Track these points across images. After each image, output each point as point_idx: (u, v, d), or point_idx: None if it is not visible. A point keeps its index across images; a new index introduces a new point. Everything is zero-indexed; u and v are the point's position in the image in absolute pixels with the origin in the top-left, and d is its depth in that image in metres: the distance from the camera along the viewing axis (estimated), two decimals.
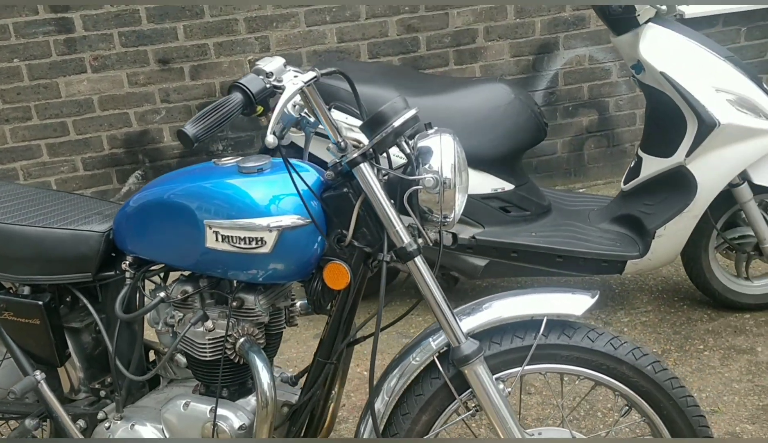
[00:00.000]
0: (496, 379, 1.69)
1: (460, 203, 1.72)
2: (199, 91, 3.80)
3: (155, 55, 3.70)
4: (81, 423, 1.98)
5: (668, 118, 2.73)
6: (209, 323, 1.78)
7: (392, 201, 1.66)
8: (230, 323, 1.76)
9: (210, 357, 1.80)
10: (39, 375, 1.95)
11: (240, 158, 1.82)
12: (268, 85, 1.52)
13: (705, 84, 2.62)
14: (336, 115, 2.85)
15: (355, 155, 1.63)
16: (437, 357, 1.72)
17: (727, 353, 2.80)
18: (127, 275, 1.84)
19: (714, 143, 2.64)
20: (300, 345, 3.06)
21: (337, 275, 1.72)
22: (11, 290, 1.99)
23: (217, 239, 1.69)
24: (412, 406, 1.73)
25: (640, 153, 2.93)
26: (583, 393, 2.59)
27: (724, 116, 2.61)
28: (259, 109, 1.52)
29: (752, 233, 2.86)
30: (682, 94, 2.62)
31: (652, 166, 2.84)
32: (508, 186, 2.95)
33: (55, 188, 3.83)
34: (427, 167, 1.64)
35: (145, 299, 1.88)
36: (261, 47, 3.78)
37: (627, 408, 1.78)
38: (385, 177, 1.68)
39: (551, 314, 1.72)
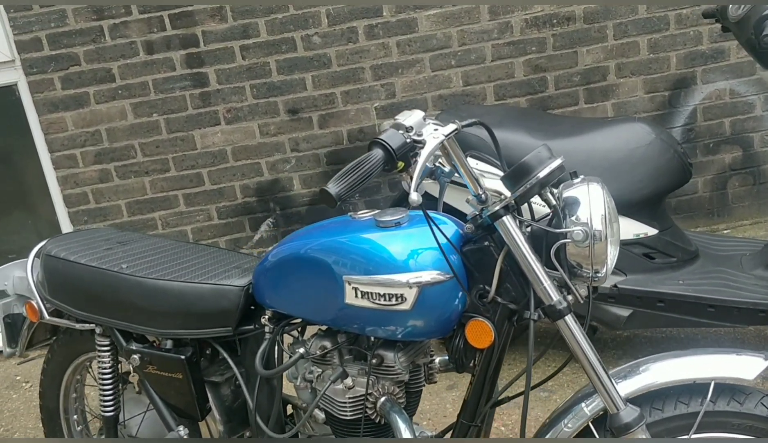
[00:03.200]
0: None
1: (612, 256, 1.61)
2: (328, 140, 3.85)
3: (285, 105, 3.79)
4: None
5: None
6: (348, 381, 1.74)
7: (537, 255, 1.59)
8: (370, 382, 1.71)
9: (351, 416, 1.75)
10: (182, 430, 1.97)
11: (377, 211, 1.79)
12: (408, 140, 1.48)
13: None
14: (470, 162, 2.79)
15: (498, 207, 1.56)
16: (592, 423, 1.60)
17: None
18: (266, 329, 1.83)
19: None
20: (433, 396, 2.98)
21: (480, 333, 1.65)
22: (155, 344, 2.03)
23: (356, 295, 1.67)
24: None
25: None
26: None
27: None
28: (400, 164, 1.49)
29: None
30: None
31: None
32: (652, 231, 2.78)
33: (191, 236, 3.96)
34: (574, 218, 1.55)
35: (284, 354, 1.87)
36: (387, 94, 3.79)
37: None
38: (528, 229, 1.60)
39: (719, 378, 1.57)
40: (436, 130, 1.48)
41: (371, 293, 1.64)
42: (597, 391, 1.55)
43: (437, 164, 1.95)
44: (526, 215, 1.64)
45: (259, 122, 3.81)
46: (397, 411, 1.69)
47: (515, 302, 1.63)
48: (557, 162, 1.56)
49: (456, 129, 1.51)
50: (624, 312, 2.76)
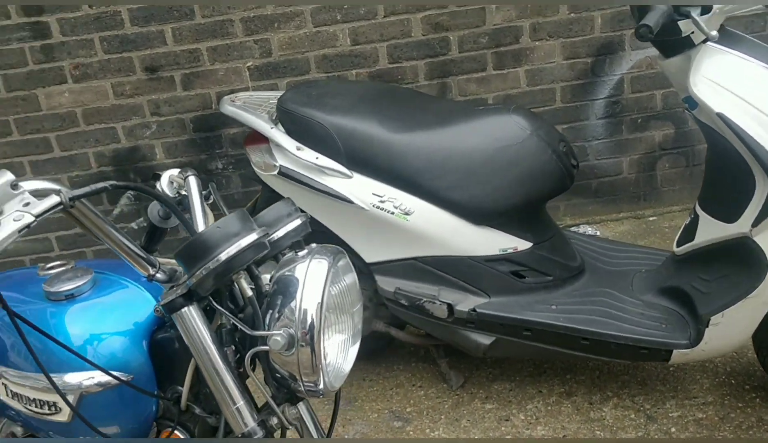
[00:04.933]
0: None
1: (338, 361, 1.18)
2: (194, 103, 3.32)
3: (142, 62, 3.24)
4: None
5: (731, 171, 2.00)
6: None
7: (235, 358, 1.16)
8: None
9: None
10: None
11: (65, 267, 1.33)
12: None
13: None
14: (306, 154, 2.31)
15: (173, 296, 1.11)
16: None
17: None
18: None
19: None
20: None
21: None
22: None
23: (7, 394, 1.24)
24: None
25: (698, 209, 2.22)
26: None
27: None
28: None
29: None
30: (748, 145, 1.89)
31: (711, 230, 2.13)
32: (524, 245, 2.32)
33: None
34: (288, 311, 1.11)
35: None
36: (261, 52, 3.25)
37: None
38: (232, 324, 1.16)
39: None
40: (27, 205, 1.00)
41: (21, 395, 1.22)
42: None
43: (183, 192, 1.49)
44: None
45: (113, 80, 3.27)
46: None
47: (214, 413, 1.22)
48: (251, 237, 1.10)
49: (59, 205, 1.02)
50: (485, 340, 2.33)
